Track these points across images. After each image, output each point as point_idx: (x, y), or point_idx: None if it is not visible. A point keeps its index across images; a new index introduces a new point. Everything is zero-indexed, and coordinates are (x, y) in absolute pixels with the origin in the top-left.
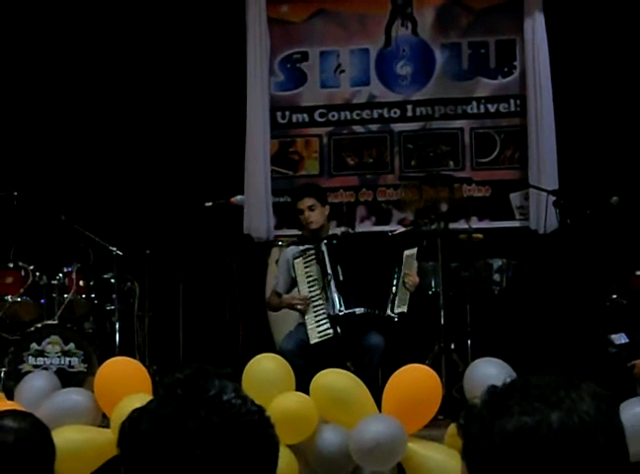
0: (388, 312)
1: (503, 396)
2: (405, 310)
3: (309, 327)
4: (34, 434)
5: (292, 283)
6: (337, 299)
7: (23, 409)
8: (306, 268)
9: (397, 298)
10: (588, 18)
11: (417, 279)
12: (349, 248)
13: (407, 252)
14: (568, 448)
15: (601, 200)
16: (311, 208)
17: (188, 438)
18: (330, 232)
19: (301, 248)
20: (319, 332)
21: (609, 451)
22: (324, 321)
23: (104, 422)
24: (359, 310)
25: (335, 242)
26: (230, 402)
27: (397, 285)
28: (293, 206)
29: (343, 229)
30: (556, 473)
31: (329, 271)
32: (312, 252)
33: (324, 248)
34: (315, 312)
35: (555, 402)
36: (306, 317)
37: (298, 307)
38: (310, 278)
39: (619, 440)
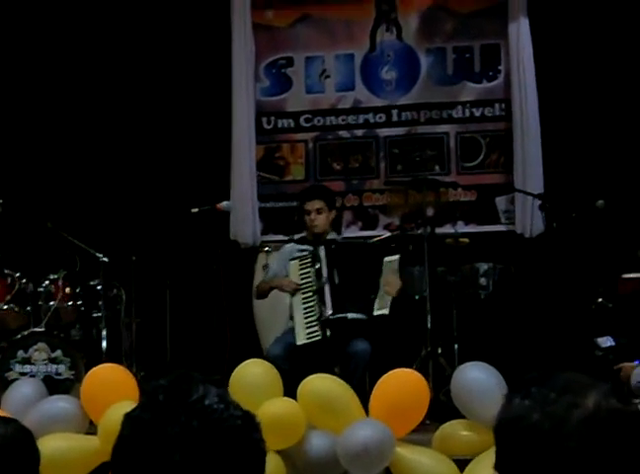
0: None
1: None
2: (386, 312)
3: (298, 328)
4: (17, 440)
5: None
6: (330, 303)
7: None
8: (301, 270)
9: (377, 302)
10: (572, 22)
11: (397, 286)
12: (345, 253)
13: (387, 258)
14: (592, 439)
15: (587, 204)
16: (319, 211)
17: (167, 444)
18: (329, 237)
19: (299, 247)
20: (308, 333)
21: (629, 444)
22: (314, 323)
23: (91, 429)
24: (350, 315)
25: (333, 247)
26: (212, 407)
27: (378, 291)
28: (300, 206)
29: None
30: (581, 463)
31: (325, 274)
32: (309, 255)
33: (323, 252)
34: (305, 314)
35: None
36: (295, 318)
37: (286, 289)
38: (304, 281)
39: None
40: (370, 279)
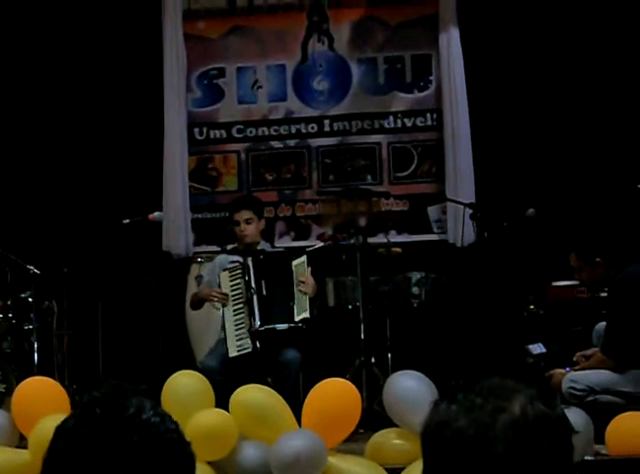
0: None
1: (458, 392)
2: (307, 315)
3: (229, 340)
4: None
5: None
6: (258, 314)
7: None
8: (231, 281)
9: (295, 306)
10: (502, 32)
11: (311, 282)
12: (272, 264)
13: (294, 261)
14: (518, 444)
15: (518, 213)
16: (248, 222)
17: (108, 459)
18: (259, 247)
19: (230, 259)
20: (238, 346)
21: (555, 448)
22: (244, 335)
23: (21, 443)
24: (279, 326)
25: (261, 257)
26: (150, 421)
27: (293, 295)
28: (229, 217)
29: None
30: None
31: (253, 285)
32: (239, 266)
33: (250, 263)
34: (236, 326)
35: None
36: (226, 330)
37: (214, 300)
38: (234, 292)
39: (565, 437)
40: (290, 288)
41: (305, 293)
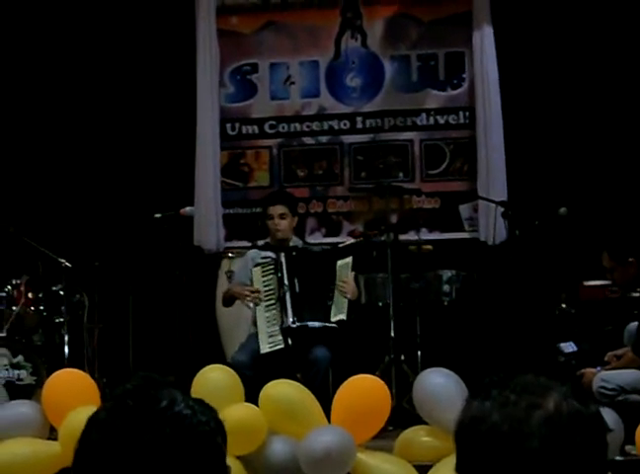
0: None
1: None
2: (344, 317)
3: (261, 337)
4: None
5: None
6: (291, 311)
7: None
8: (263, 277)
9: (333, 307)
10: (536, 30)
11: (352, 287)
12: (306, 260)
13: (340, 262)
14: (553, 440)
15: (550, 211)
16: (282, 217)
17: (140, 451)
18: (291, 243)
19: (262, 254)
20: (270, 342)
21: (590, 444)
22: (276, 332)
23: (52, 434)
24: (311, 324)
25: (294, 254)
26: (182, 413)
27: (333, 295)
28: (263, 211)
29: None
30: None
31: (286, 282)
32: (271, 262)
33: (283, 259)
34: (268, 322)
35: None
36: (258, 326)
37: (247, 299)
38: (266, 288)
39: (599, 434)
40: (327, 286)
41: (345, 296)
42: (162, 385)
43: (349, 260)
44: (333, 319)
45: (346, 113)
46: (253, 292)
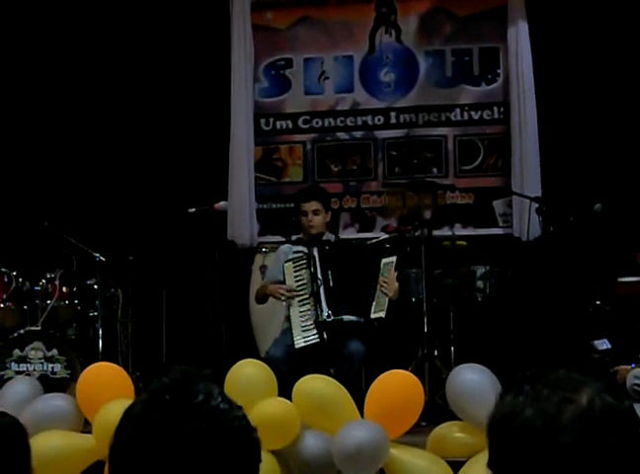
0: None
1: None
2: (383, 315)
3: (295, 332)
4: (10, 434)
5: (280, 283)
6: (325, 305)
7: None
8: (295, 272)
9: (374, 304)
10: (571, 26)
11: (395, 286)
12: (339, 255)
13: (384, 259)
14: (586, 435)
15: (584, 208)
16: (316, 213)
17: (178, 445)
18: (325, 239)
19: (294, 249)
20: (305, 337)
21: (623, 440)
22: (310, 326)
23: (86, 427)
24: (346, 317)
25: (327, 248)
26: (219, 407)
27: (375, 292)
28: (296, 207)
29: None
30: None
31: (319, 276)
32: (303, 257)
33: (316, 253)
34: (302, 317)
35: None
36: (292, 321)
37: (282, 298)
38: (299, 283)
39: (633, 430)
40: (365, 281)
41: (387, 294)
42: (199, 379)
43: (393, 258)
44: (372, 316)
45: (380, 108)
46: (288, 291)
